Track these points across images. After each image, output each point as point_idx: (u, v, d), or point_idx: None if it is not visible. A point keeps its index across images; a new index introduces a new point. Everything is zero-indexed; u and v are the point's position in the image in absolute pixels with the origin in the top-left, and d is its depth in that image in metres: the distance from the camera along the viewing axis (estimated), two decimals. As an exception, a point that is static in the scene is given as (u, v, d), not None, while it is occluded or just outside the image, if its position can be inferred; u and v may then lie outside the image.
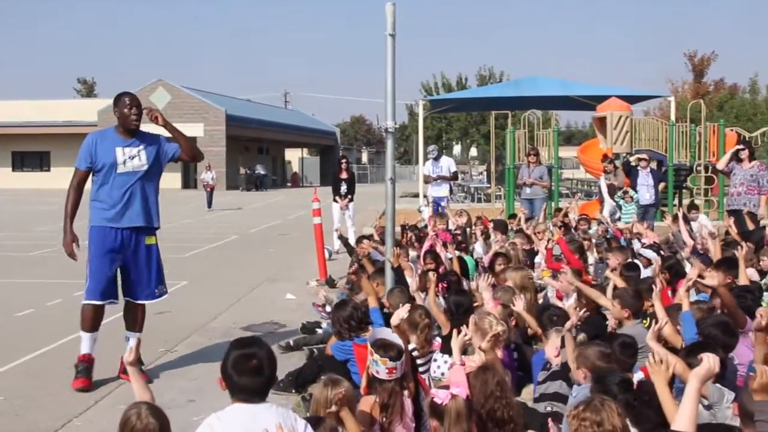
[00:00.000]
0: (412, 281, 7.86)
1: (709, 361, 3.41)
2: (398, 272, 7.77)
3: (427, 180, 16.79)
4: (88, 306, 6.49)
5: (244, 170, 52.88)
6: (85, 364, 6.42)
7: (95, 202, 6.55)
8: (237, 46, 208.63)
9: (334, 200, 15.71)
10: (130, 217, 6.51)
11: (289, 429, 3.29)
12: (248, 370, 3.42)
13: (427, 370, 5.66)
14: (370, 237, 11.34)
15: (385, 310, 6.27)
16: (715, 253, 8.44)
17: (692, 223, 13.15)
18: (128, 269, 6.62)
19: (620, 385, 4.10)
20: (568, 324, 5.49)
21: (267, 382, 3.50)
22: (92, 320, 6.50)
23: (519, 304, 6.29)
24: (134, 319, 6.77)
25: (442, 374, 5.85)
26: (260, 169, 55.28)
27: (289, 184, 67.21)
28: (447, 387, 3.85)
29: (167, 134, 6.78)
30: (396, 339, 4.48)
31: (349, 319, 6.07)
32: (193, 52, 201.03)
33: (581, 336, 5.77)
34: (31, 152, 57.21)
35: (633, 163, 16.18)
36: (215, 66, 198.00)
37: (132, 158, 6.49)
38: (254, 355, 3.47)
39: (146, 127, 6.65)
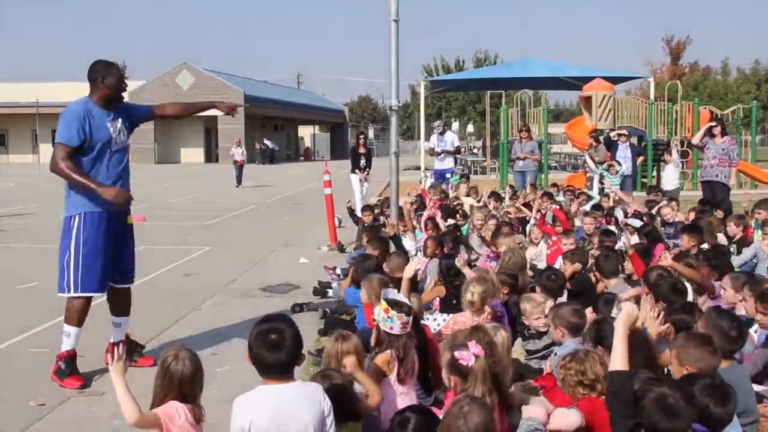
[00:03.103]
0: (412, 244, 7.93)
1: (628, 307, 3.48)
2: (396, 240, 7.81)
3: (432, 153, 16.76)
4: (80, 299, 5.37)
5: (258, 145, 52.65)
6: (72, 362, 5.41)
7: None
8: (254, 30, 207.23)
9: (353, 172, 15.76)
10: None
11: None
12: (268, 345, 3.14)
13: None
14: (373, 207, 11.41)
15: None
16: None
17: None
18: (118, 252, 5.57)
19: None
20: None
21: (288, 359, 3.18)
22: (82, 314, 5.42)
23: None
24: (125, 304, 5.76)
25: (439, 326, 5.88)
26: (270, 144, 54.85)
27: (302, 158, 67.13)
28: (465, 346, 3.69)
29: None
30: (403, 299, 4.46)
31: (376, 270, 6.02)
32: (213, 36, 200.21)
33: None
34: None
35: (613, 138, 16.20)
36: (234, 50, 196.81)
37: (119, 133, 5.45)
38: (275, 329, 3.17)
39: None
